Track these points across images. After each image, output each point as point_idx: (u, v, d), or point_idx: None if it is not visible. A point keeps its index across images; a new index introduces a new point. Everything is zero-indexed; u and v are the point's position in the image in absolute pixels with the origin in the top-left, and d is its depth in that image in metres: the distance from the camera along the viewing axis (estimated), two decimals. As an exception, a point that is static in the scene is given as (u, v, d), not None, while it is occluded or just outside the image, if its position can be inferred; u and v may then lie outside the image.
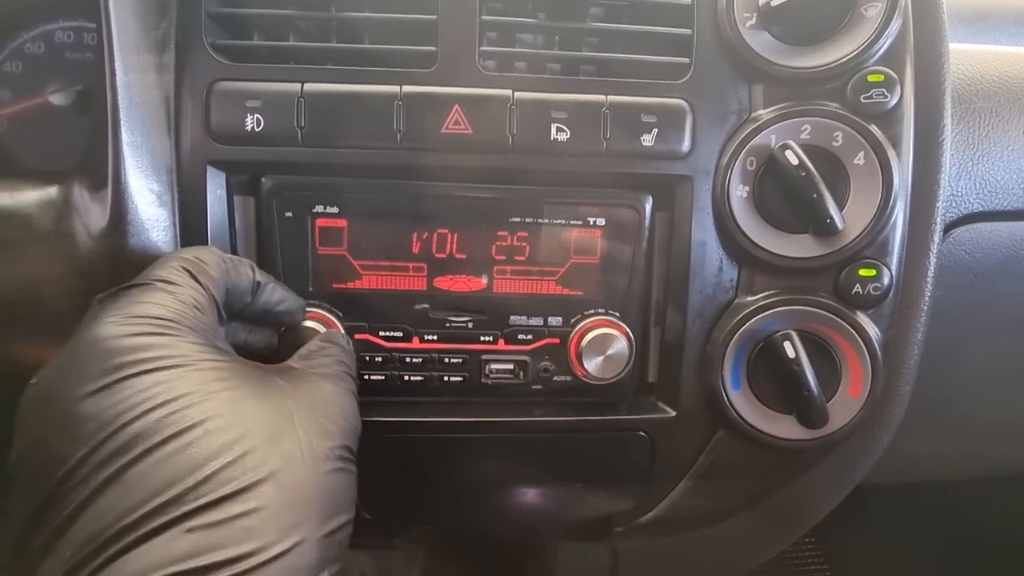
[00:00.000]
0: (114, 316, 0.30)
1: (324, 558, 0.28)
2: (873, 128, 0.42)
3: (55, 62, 0.50)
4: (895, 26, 0.42)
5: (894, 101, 0.42)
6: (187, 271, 0.34)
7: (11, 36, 0.50)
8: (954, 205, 0.54)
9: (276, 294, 0.39)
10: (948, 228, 0.55)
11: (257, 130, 0.41)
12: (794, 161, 0.40)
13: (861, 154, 0.42)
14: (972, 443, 0.65)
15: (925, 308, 0.45)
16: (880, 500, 0.99)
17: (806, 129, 0.42)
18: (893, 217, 0.43)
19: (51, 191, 0.42)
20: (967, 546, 0.98)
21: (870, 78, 0.42)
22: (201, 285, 0.33)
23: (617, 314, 0.46)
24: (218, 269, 0.35)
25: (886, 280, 0.43)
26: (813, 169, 0.40)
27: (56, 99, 0.50)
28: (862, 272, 0.43)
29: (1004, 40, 0.76)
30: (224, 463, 0.27)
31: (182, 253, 0.35)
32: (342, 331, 0.44)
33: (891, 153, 0.42)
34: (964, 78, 0.55)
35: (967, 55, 0.57)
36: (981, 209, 0.55)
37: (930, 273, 0.45)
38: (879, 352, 0.43)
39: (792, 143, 0.41)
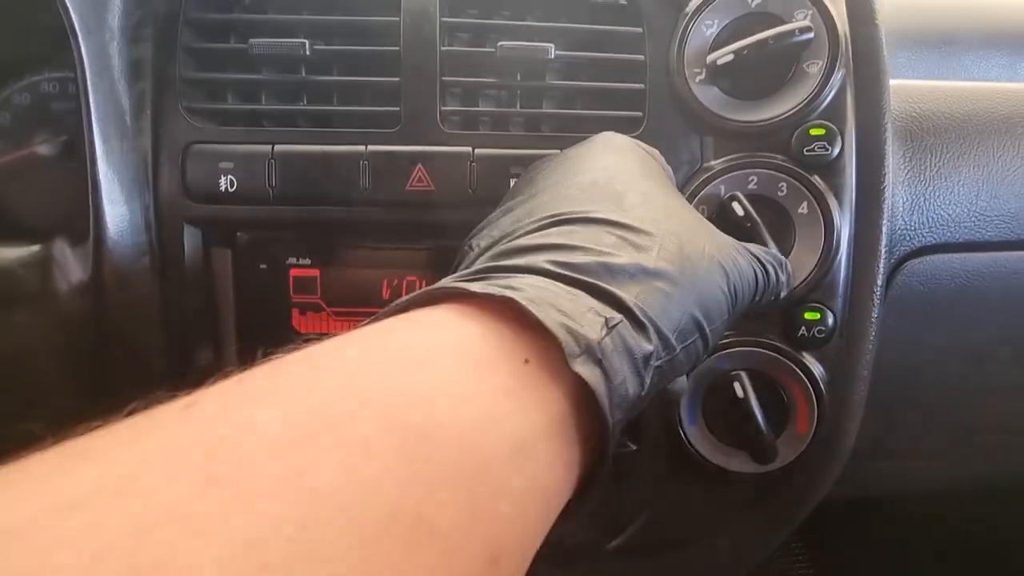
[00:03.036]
0: None
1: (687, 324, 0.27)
2: (815, 179, 0.44)
3: (42, 112, 0.52)
4: (835, 82, 0.44)
5: (835, 153, 0.44)
6: None
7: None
8: (908, 238, 0.56)
9: None
10: (903, 260, 0.57)
11: (231, 190, 0.43)
12: (740, 212, 0.42)
13: (805, 204, 0.44)
14: (932, 461, 0.68)
15: (870, 348, 0.47)
16: (870, 511, 1.02)
17: (753, 180, 0.45)
18: (835, 263, 0.45)
19: (36, 248, 0.44)
20: (958, 557, 1.01)
21: (812, 132, 0.44)
22: None
23: (580, 353, 0.49)
24: None
25: (830, 322, 0.45)
26: (758, 219, 0.43)
27: (43, 149, 0.52)
28: (807, 315, 0.45)
29: (971, 64, 0.78)
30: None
31: None
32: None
33: (833, 203, 0.44)
34: (916, 115, 0.57)
35: (919, 92, 0.59)
36: (934, 242, 0.57)
37: (874, 315, 0.47)
38: (824, 391, 0.45)
39: (739, 195, 0.43)
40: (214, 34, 0.45)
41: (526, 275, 0.25)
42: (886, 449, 0.66)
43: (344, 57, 0.45)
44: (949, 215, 0.57)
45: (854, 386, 0.47)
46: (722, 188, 0.45)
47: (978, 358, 0.62)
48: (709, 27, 0.45)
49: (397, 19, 0.44)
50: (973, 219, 0.57)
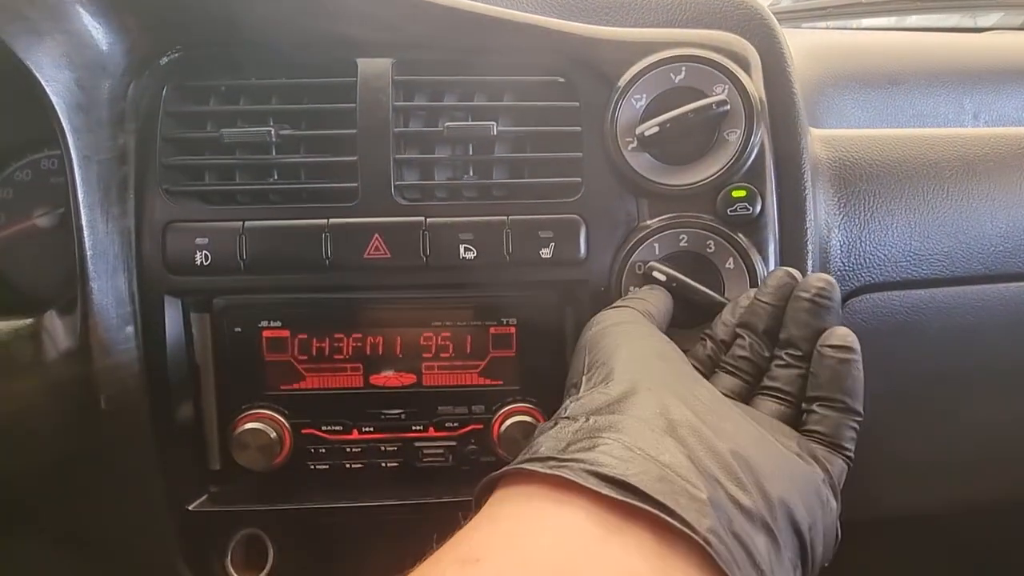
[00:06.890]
0: None
1: None
2: (740, 236, 0.48)
3: (41, 187, 0.57)
4: (753, 147, 0.48)
5: (757, 211, 0.48)
6: None
7: (3, 167, 0.57)
8: (848, 278, 0.60)
9: None
10: (844, 299, 0.60)
11: (205, 264, 0.48)
12: (662, 278, 0.46)
13: (731, 259, 0.48)
14: (879, 485, 0.71)
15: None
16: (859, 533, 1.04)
17: (683, 239, 0.49)
18: (761, 313, 0.48)
19: (30, 320, 0.48)
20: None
21: (734, 193, 0.48)
22: None
23: (534, 400, 0.52)
24: None
25: (760, 367, 0.49)
26: (683, 277, 0.47)
27: (42, 222, 0.56)
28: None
29: (918, 101, 0.82)
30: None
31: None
32: (289, 430, 0.51)
33: (756, 258, 0.48)
34: (850, 163, 0.61)
35: (852, 141, 0.63)
36: (872, 281, 0.61)
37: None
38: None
39: (656, 264, 0.48)
40: (192, 123, 0.50)
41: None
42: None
43: (308, 139, 0.49)
44: (885, 256, 0.60)
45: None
46: (656, 247, 0.49)
47: (921, 386, 0.65)
48: (638, 101, 0.49)
49: (354, 105, 0.48)
50: (908, 259, 0.60)
